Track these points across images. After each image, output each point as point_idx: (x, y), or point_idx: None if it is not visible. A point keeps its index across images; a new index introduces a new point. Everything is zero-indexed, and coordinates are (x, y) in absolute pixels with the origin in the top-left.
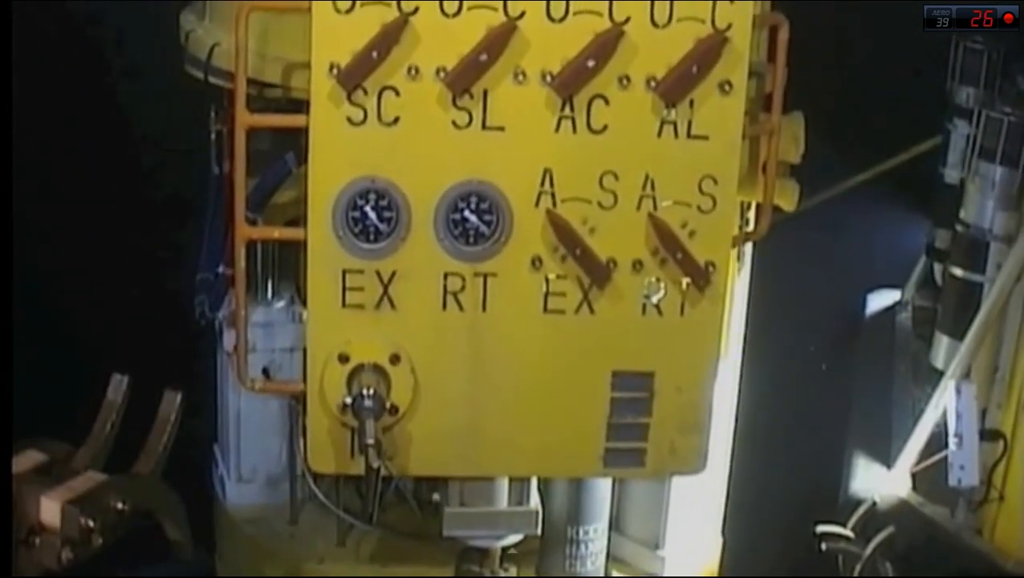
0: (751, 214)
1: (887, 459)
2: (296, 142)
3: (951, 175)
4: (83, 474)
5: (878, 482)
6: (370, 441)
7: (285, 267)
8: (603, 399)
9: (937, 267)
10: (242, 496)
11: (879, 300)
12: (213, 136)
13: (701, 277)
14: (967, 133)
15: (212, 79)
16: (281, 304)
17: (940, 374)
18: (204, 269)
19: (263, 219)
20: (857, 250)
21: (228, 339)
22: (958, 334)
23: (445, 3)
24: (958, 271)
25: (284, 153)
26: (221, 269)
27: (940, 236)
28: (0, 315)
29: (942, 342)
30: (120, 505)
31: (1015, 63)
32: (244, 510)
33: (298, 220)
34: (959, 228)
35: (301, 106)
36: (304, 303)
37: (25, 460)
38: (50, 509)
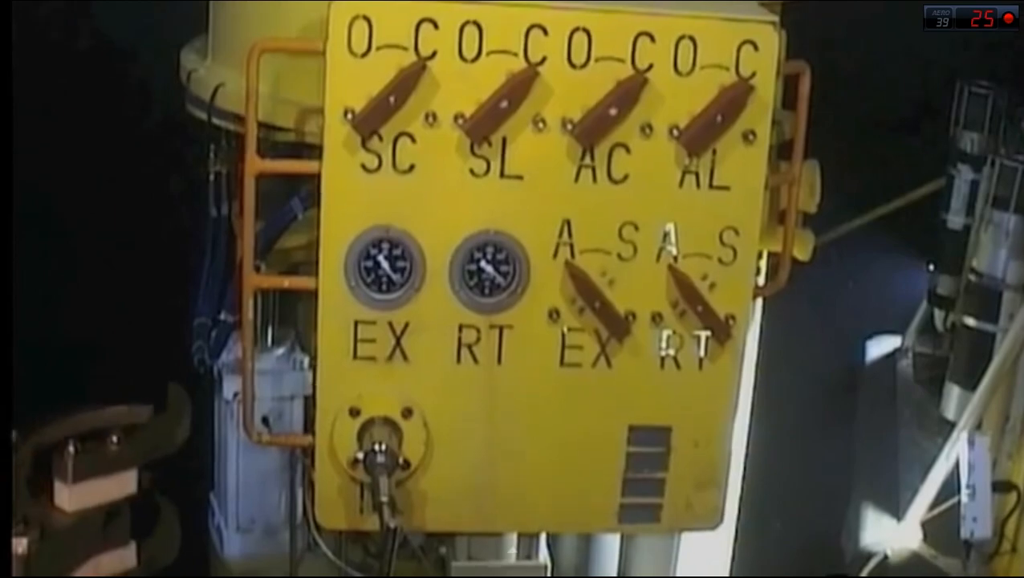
0: (762, 263)
1: (894, 509)
2: (299, 185)
3: (954, 221)
4: None
5: (886, 533)
6: (384, 499)
7: (285, 313)
8: (619, 453)
9: (938, 313)
10: (240, 547)
11: (879, 347)
12: (212, 177)
13: (722, 330)
14: (971, 178)
15: (216, 120)
16: (281, 351)
17: (946, 423)
18: (202, 314)
19: (265, 265)
20: (855, 296)
21: (228, 387)
22: (970, 384)
23: (464, 48)
24: (970, 321)
25: (285, 194)
26: (222, 316)
27: (943, 282)
28: (0, 315)
29: (953, 392)
30: None
31: (1020, 108)
32: (242, 561)
33: (299, 265)
34: (971, 277)
35: (307, 149)
36: (304, 349)
37: None
38: None
